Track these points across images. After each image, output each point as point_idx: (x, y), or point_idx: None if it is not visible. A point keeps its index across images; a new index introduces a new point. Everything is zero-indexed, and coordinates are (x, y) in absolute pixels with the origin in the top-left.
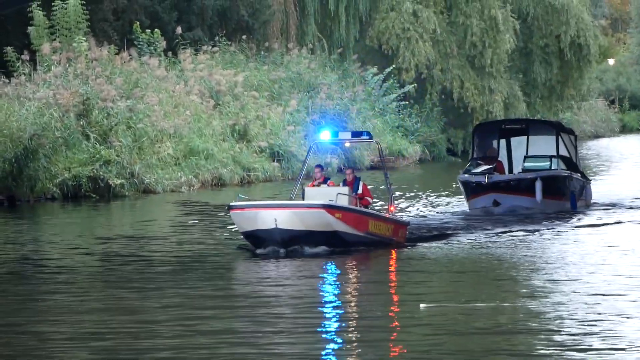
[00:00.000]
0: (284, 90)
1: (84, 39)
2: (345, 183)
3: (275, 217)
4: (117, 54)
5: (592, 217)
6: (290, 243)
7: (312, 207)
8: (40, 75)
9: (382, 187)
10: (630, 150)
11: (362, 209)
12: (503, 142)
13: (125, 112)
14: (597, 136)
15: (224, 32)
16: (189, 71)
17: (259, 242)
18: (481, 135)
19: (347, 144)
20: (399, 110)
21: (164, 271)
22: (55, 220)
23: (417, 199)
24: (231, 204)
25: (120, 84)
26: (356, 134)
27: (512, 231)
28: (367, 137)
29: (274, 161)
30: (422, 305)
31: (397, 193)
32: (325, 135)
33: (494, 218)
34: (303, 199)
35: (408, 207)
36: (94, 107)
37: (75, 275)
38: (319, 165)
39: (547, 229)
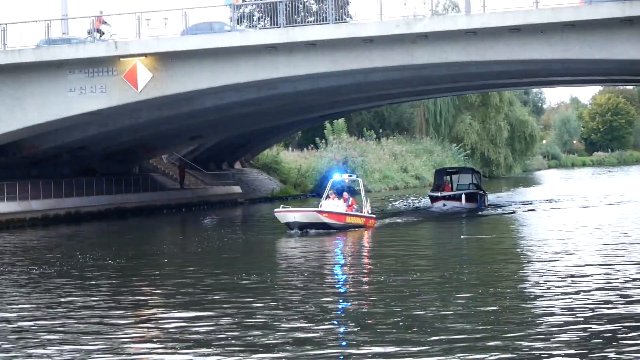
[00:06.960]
0: (419, 153)
1: (346, 135)
2: (344, 199)
3: (294, 216)
4: (359, 139)
5: (496, 212)
6: (303, 227)
7: (310, 211)
8: (329, 147)
9: (379, 203)
10: (548, 175)
11: (343, 211)
12: (448, 177)
13: (359, 162)
14: (538, 169)
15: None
16: (385, 146)
17: (290, 227)
18: (438, 174)
19: (347, 181)
20: (464, 158)
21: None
22: None
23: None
24: (275, 210)
25: (357, 152)
26: (350, 175)
27: (462, 217)
28: (355, 176)
29: (416, 179)
30: (462, 237)
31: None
32: (336, 176)
33: (443, 212)
34: (320, 207)
35: (399, 205)
36: (349, 159)
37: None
38: (332, 187)
39: (476, 216)
